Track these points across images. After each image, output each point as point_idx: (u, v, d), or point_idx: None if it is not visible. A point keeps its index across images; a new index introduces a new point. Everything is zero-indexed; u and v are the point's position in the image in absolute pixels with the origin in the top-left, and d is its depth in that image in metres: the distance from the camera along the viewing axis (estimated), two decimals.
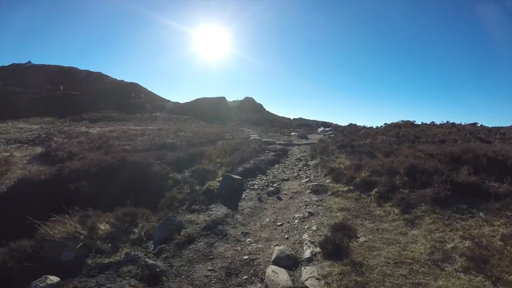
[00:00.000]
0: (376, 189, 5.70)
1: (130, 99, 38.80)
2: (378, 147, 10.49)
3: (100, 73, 47.71)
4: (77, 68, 46.53)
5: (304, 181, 7.34)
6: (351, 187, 6.17)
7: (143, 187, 6.58)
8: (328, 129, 23.06)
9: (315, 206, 5.66)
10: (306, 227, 4.82)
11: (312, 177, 7.71)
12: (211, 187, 6.05)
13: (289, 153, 11.14)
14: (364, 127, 23.60)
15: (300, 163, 9.49)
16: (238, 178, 6.46)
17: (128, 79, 44.88)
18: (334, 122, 33.74)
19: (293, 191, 6.59)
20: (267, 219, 5.22)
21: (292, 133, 18.30)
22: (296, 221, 5.09)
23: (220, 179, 6.44)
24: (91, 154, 8.32)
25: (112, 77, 47.78)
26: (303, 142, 13.97)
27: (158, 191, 6.39)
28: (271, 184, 6.93)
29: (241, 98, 42.68)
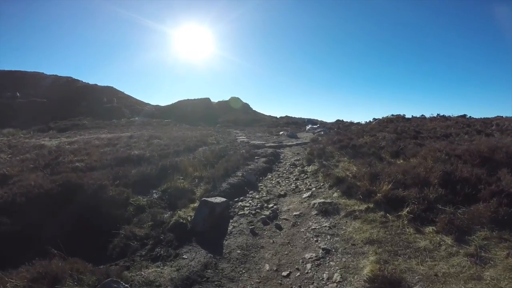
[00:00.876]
0: (408, 208, 4.24)
1: (105, 104, 36.23)
2: (381, 146, 9.16)
3: (70, 77, 44.73)
4: (43, 72, 43.28)
5: (305, 196, 5.81)
6: (371, 205, 4.68)
7: (92, 220, 4.89)
8: (316, 126, 21.88)
9: (329, 237, 4.14)
10: (325, 276, 3.29)
11: (313, 189, 6.20)
12: (182, 220, 4.40)
13: (281, 157, 9.62)
14: (351, 123, 22.52)
15: (296, 169, 7.98)
16: (221, 202, 4.83)
17: (104, 83, 42.06)
18: (319, 119, 32.59)
19: (295, 213, 5.03)
20: (267, 266, 3.64)
21: (281, 132, 16.87)
22: (309, 266, 3.54)
23: (196, 205, 4.80)
24: (31, 176, 6.48)
25: (83, 81, 44.86)
26: (294, 143, 12.55)
27: (112, 224, 4.72)
28: (265, 205, 5.33)
29: (226, 98, 40.86)
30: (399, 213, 4.28)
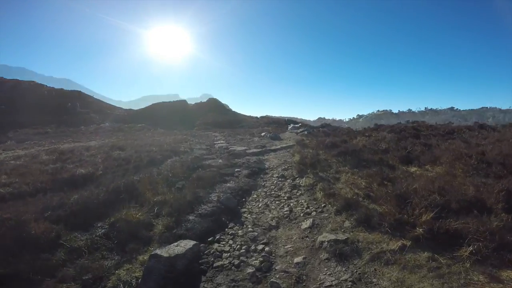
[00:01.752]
0: (472, 246, 2.80)
1: (70, 109, 33.21)
2: (383, 149, 7.84)
3: (33, 82, 41.06)
4: (2, 77, 39.38)
5: (305, 226, 4.28)
6: (406, 242, 3.21)
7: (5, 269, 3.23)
8: (298, 125, 20.88)
9: None
10: None
11: (314, 213, 4.70)
12: (123, 286, 2.74)
13: (267, 166, 8.07)
14: (334, 120, 22.01)
15: (286, 183, 6.46)
16: (185, 251, 3.16)
17: (73, 87, 38.83)
18: (299, 117, 31.55)
19: (296, 260, 3.44)
20: None
21: (263, 133, 15.46)
22: None
23: (146, 257, 3.13)
24: None
25: (48, 86, 41.35)
26: (279, 146, 11.11)
27: (33, 274, 3.07)
28: (253, 247, 3.69)
29: (204, 100, 38.90)
30: (455, 254, 2.86)
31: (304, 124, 22.91)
